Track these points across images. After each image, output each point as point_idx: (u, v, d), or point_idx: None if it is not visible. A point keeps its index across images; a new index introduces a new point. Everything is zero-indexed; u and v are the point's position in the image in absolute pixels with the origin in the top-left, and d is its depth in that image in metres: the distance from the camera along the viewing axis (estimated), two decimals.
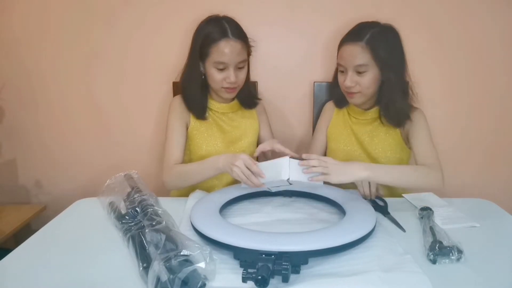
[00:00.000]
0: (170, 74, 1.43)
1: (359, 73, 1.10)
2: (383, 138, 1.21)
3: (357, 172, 0.95)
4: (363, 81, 1.10)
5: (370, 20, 1.15)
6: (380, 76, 1.11)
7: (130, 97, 1.58)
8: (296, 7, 1.47)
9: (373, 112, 1.22)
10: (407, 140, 1.20)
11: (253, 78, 1.48)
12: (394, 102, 1.13)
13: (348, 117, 1.28)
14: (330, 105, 1.35)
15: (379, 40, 1.08)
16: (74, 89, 1.58)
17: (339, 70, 1.16)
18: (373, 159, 1.22)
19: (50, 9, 1.50)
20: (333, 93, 1.30)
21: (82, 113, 1.60)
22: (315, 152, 1.34)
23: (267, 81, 1.53)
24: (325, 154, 1.34)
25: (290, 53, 1.52)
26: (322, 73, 1.51)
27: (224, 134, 1.27)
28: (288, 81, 1.55)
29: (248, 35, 1.19)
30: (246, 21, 1.43)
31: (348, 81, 1.11)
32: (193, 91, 1.22)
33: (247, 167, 0.97)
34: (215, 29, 1.13)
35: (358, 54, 1.08)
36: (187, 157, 1.29)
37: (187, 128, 1.25)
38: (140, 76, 1.55)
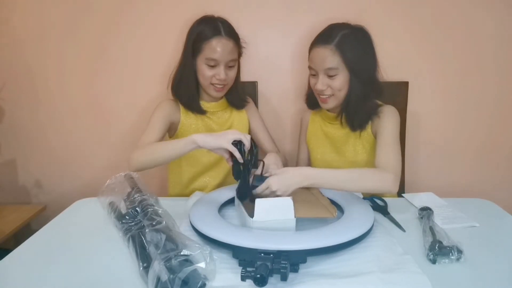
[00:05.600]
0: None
1: (330, 76, 1.09)
2: (357, 140, 1.19)
3: (299, 183, 0.93)
4: (334, 84, 1.09)
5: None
6: (348, 78, 1.09)
7: (131, 97, 1.58)
8: (296, 8, 1.47)
9: (344, 117, 1.19)
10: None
11: (253, 78, 1.49)
12: (357, 105, 1.11)
13: (323, 123, 1.28)
14: (304, 115, 1.37)
15: (348, 42, 1.06)
16: (74, 89, 1.58)
17: (310, 73, 1.16)
18: (351, 163, 1.21)
19: (51, 8, 1.50)
20: (308, 95, 1.28)
21: (82, 113, 1.60)
22: (301, 163, 1.37)
23: (267, 81, 1.53)
24: (309, 163, 1.36)
25: (290, 53, 1.52)
26: None
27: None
28: (288, 81, 1.55)
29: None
30: (246, 21, 1.43)
31: (319, 84, 1.10)
32: (187, 87, 1.23)
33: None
34: (208, 27, 1.16)
35: (328, 57, 1.07)
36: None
37: (172, 129, 1.28)
38: (141, 76, 1.55)
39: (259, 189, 0.94)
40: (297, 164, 1.41)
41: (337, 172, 0.97)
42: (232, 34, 1.18)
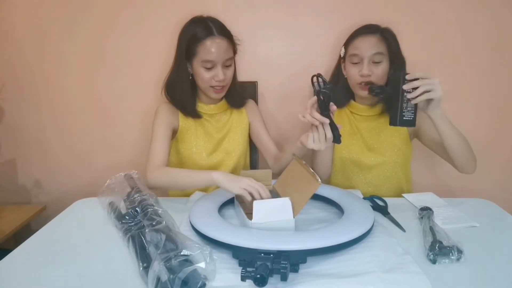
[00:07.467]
0: None
1: (374, 63, 1.14)
2: (389, 133, 1.23)
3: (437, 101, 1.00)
4: (377, 71, 1.14)
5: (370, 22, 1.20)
6: (388, 70, 1.16)
7: (131, 97, 1.58)
8: (296, 8, 1.47)
9: (378, 108, 1.24)
10: (413, 135, 1.24)
11: (253, 78, 1.49)
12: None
13: (352, 116, 1.28)
14: None
15: (390, 35, 1.16)
16: (74, 89, 1.58)
17: (351, 62, 1.18)
18: (379, 154, 1.22)
19: (51, 8, 1.50)
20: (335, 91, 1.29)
21: (82, 113, 1.60)
22: (319, 166, 1.30)
23: (267, 81, 1.53)
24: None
25: (290, 53, 1.52)
26: (321, 73, 1.51)
27: (211, 136, 1.28)
28: (288, 81, 1.55)
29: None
30: (246, 21, 1.43)
31: (365, 69, 1.14)
32: (181, 91, 1.22)
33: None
34: (200, 28, 1.14)
35: (376, 43, 1.14)
36: (176, 158, 1.30)
37: (174, 133, 1.26)
38: (141, 77, 1.55)
39: (421, 81, 0.96)
40: (313, 167, 1.38)
41: (454, 127, 1.07)
42: (224, 33, 1.16)
